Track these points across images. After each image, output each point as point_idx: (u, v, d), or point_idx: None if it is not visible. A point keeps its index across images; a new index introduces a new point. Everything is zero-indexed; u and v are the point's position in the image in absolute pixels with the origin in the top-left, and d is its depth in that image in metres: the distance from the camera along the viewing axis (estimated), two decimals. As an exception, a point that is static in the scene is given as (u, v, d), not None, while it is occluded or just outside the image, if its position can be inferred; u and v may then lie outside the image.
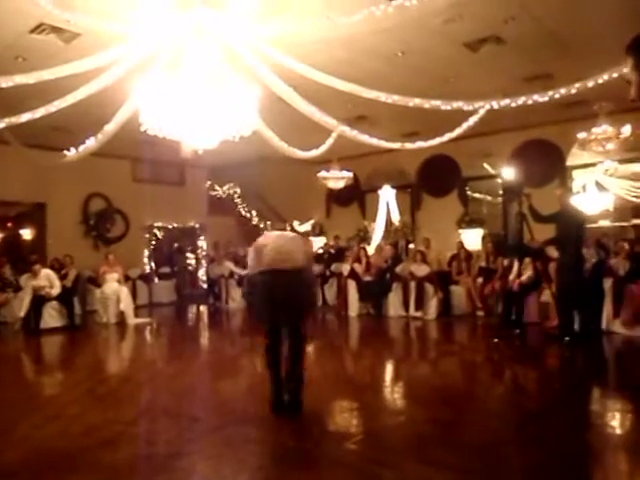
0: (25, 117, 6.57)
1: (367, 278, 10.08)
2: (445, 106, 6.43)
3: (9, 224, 15.92)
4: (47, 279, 9.25)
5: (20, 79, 5.60)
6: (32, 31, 6.26)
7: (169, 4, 5.50)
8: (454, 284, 9.63)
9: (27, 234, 14.09)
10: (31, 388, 5.40)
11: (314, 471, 3.09)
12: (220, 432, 3.75)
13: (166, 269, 14.25)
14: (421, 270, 9.54)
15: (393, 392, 5.15)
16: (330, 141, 8.62)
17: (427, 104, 6.45)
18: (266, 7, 5.66)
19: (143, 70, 5.74)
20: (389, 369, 6.22)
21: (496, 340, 7.11)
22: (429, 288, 9.41)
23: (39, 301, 8.99)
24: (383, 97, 6.44)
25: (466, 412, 4.24)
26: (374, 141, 7.96)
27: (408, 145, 8.26)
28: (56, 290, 9.23)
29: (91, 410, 4.36)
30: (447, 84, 7.92)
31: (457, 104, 6.35)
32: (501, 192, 11.57)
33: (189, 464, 3.17)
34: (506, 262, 8.53)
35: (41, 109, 6.46)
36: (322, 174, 11.99)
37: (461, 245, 10.35)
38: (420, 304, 9.38)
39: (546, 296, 7.79)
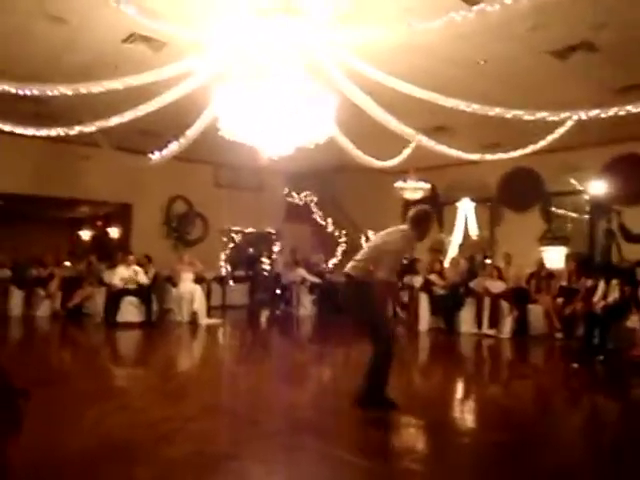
0: (114, 120, 6.90)
1: (440, 292, 9.82)
2: (528, 116, 6.15)
3: (98, 223, 16.90)
4: (134, 273, 9.76)
5: (110, 84, 5.89)
6: (124, 41, 6.60)
7: (250, 12, 5.61)
8: (532, 303, 9.18)
9: (114, 232, 14.88)
10: (102, 379, 5.63)
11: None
12: (277, 438, 3.74)
13: (241, 272, 14.56)
14: (496, 286, 9.18)
15: (460, 411, 4.95)
16: (408, 151, 8.51)
17: (509, 114, 6.19)
18: (344, 14, 5.66)
19: (224, 77, 5.90)
20: (457, 387, 6.00)
21: (575, 365, 6.69)
22: (504, 305, 9.03)
23: (118, 295, 9.44)
24: (462, 106, 6.25)
25: (535, 439, 3.97)
26: (453, 152, 7.76)
27: (488, 156, 8.00)
28: (143, 280, 9.71)
29: (155, 404, 4.49)
30: (531, 94, 7.58)
31: (541, 114, 6.06)
32: (588, 209, 10.96)
33: (242, 467, 3.17)
34: (590, 282, 8.04)
35: (129, 112, 6.77)
36: (399, 184, 11.84)
37: (541, 263, 9.88)
38: (494, 322, 9.02)
39: (633, 322, 7.25)
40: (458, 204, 12.45)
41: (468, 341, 8.77)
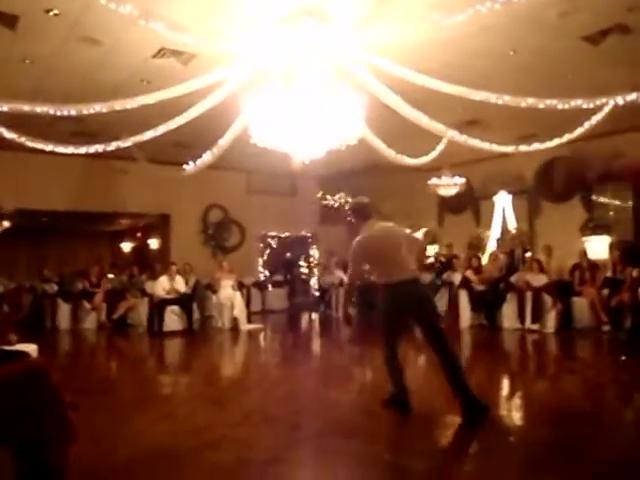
0: (149, 135, 7.07)
1: (480, 288, 9.68)
2: (562, 105, 6.02)
3: (138, 234, 17.29)
4: (175, 282, 9.96)
5: (142, 100, 6.03)
6: (154, 56, 6.75)
7: (276, 20, 5.67)
8: (576, 295, 8.95)
9: (154, 243, 15.19)
10: (148, 388, 5.75)
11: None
12: (319, 441, 3.75)
13: (279, 277, 14.66)
14: (538, 280, 8.98)
15: (506, 409, 4.85)
16: (440, 147, 8.42)
17: (542, 104, 6.07)
18: (368, 14, 5.65)
19: (253, 85, 5.97)
20: (502, 385, 5.90)
21: (624, 358, 6.49)
22: (547, 299, 8.83)
23: (161, 305, 9.64)
24: (494, 98, 6.16)
25: (586, 437, 3.86)
26: (486, 145, 7.65)
27: (523, 148, 7.84)
28: (182, 293, 9.90)
29: (200, 411, 4.56)
30: (564, 81, 7.41)
31: (575, 102, 5.92)
32: (632, 195, 10.61)
33: (286, 471, 3.19)
34: (636, 272, 7.79)
35: (162, 126, 6.92)
36: (433, 181, 11.72)
37: (584, 254, 9.62)
38: (537, 316, 8.83)
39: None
40: (494, 198, 12.25)
41: (511, 337, 8.60)
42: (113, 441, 3.73)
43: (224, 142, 7.23)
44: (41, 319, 10.74)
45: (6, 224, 12.33)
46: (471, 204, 13.51)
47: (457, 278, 10.16)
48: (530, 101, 5.98)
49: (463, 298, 9.83)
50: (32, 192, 10.80)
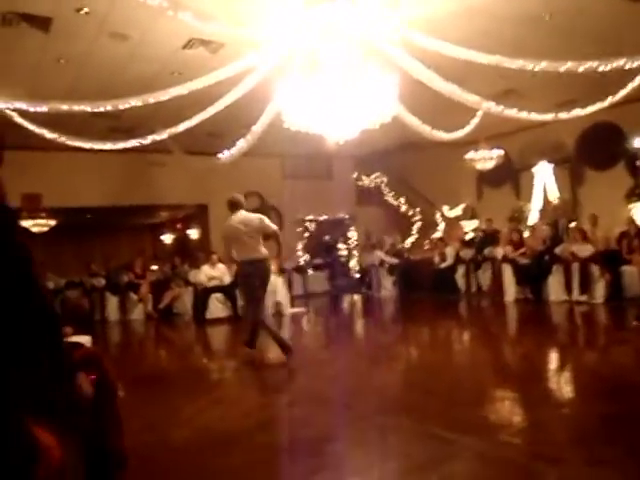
0: (183, 126, 7.15)
1: (523, 261, 9.50)
2: (602, 67, 5.80)
3: (178, 225, 17.58)
4: (220, 271, 10.10)
5: (175, 91, 6.09)
6: (184, 47, 6.79)
7: (301, 3, 5.61)
8: (625, 264, 8.68)
9: (193, 233, 15.43)
10: (197, 373, 5.87)
11: (466, 462, 2.97)
12: (371, 419, 3.76)
13: (319, 260, 14.70)
14: (584, 250, 8.75)
15: (556, 382, 4.77)
16: (476, 120, 8.26)
17: (581, 67, 5.87)
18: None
19: (284, 69, 5.96)
20: (551, 358, 5.79)
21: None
22: (595, 269, 8.60)
23: (205, 293, 9.81)
24: (530, 65, 5.98)
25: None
26: (524, 115, 7.46)
27: (563, 115, 7.61)
28: (227, 279, 10.04)
29: (249, 394, 4.65)
30: (603, 43, 7.12)
31: (617, 63, 5.69)
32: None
33: (339, 449, 3.22)
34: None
35: (196, 117, 6.98)
36: (470, 155, 11.49)
37: (631, 221, 9.31)
38: (585, 287, 8.61)
39: None
40: (534, 169, 11.94)
41: (559, 309, 8.43)
42: (167, 426, 3.83)
43: (257, 128, 7.25)
44: (91, 312, 11.09)
45: (52, 222, 12.72)
46: (510, 177, 13.22)
47: (500, 253, 9.99)
48: (569, 65, 5.77)
49: (507, 272, 9.67)
50: (75, 190, 11.09)
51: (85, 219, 14.55)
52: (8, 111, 5.86)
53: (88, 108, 5.98)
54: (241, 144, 7.59)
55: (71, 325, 3.27)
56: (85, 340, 3.64)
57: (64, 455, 1.43)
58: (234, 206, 5.94)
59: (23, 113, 6.14)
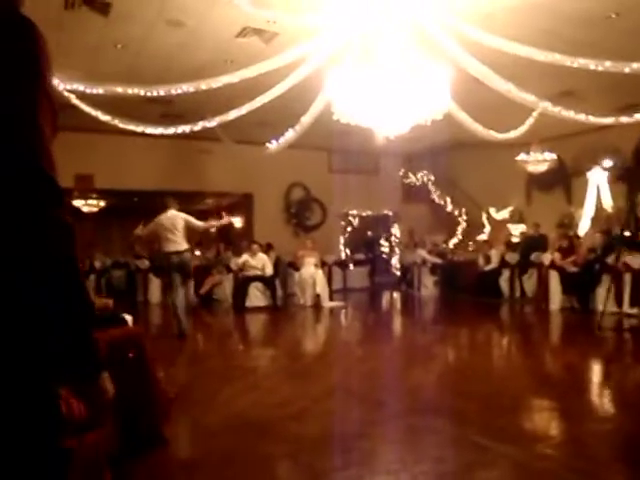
0: (233, 114, 7.19)
1: (572, 269, 9.20)
2: (671, 70, 5.52)
3: (223, 213, 17.76)
4: (261, 261, 10.17)
5: (226, 79, 6.13)
6: (237, 35, 6.82)
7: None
8: (682, 278, 8.29)
9: (237, 222, 15.57)
10: (235, 360, 5.93)
11: (498, 471, 2.88)
12: (404, 419, 3.71)
13: (360, 256, 14.63)
14: (637, 261, 8.40)
15: (600, 396, 4.61)
16: (530, 120, 8.00)
17: (648, 69, 5.60)
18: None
19: (335, 61, 5.90)
20: (596, 370, 5.59)
21: None
22: (648, 282, 8.25)
23: (245, 281, 9.90)
24: (592, 65, 5.75)
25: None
26: (582, 117, 7.19)
27: (624, 119, 7.30)
28: (269, 271, 10.10)
29: (284, 384, 4.65)
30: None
31: (687, 66, 5.41)
32: None
33: (370, 446, 3.18)
34: None
35: (246, 105, 7.01)
36: (521, 157, 11.19)
37: (692, 233, 8.89)
38: (636, 299, 8.27)
39: None
40: (588, 174, 11.53)
41: (607, 321, 8.12)
42: (203, 409, 3.87)
43: (306, 120, 7.22)
44: (134, 293, 11.36)
45: (102, 204, 13.08)
46: (562, 181, 12.81)
47: (547, 259, 9.71)
48: (635, 66, 5.52)
49: (553, 279, 9.39)
50: (125, 173, 11.35)
51: (133, 202, 14.88)
52: (65, 92, 6.01)
53: (142, 92, 6.08)
54: (290, 135, 7.59)
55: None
56: (127, 319, 3.70)
57: (98, 428, 1.44)
58: (164, 206, 7.30)
59: (79, 95, 6.30)
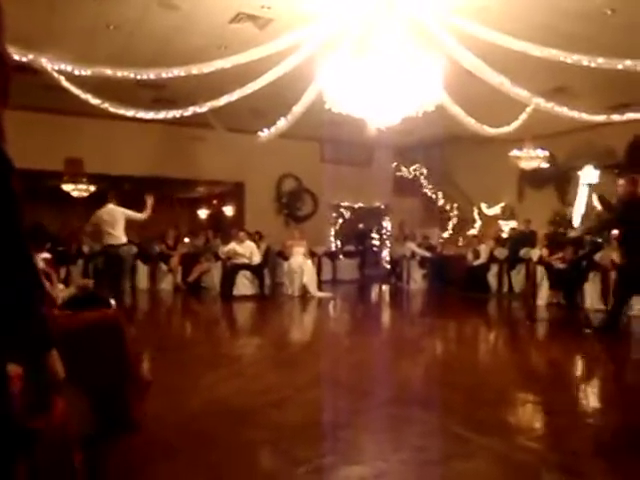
0: (224, 100, 7.11)
1: (559, 265, 9.23)
2: (665, 68, 5.53)
3: (214, 201, 17.72)
4: (249, 249, 10.13)
5: (218, 64, 6.07)
6: (231, 21, 6.75)
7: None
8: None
9: (229, 210, 15.53)
10: (219, 347, 5.92)
11: (477, 462, 2.88)
12: (387, 409, 3.71)
13: (351, 247, 14.63)
14: (626, 259, 8.42)
15: (583, 391, 4.63)
16: (523, 116, 8.00)
17: (640, 67, 5.60)
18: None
19: (328, 50, 5.85)
20: (579, 366, 5.62)
21: None
22: (635, 280, 8.27)
23: (233, 269, 9.87)
24: (586, 61, 5.74)
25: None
26: (574, 114, 7.20)
27: (615, 117, 7.32)
28: (256, 259, 10.06)
29: (268, 372, 4.64)
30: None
31: (680, 65, 5.42)
32: None
33: (351, 436, 3.17)
34: None
35: (237, 91, 6.94)
36: (514, 153, 11.19)
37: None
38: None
39: None
40: (580, 172, 11.55)
41: (593, 318, 8.16)
42: (185, 394, 3.86)
43: (298, 109, 7.18)
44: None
45: (92, 188, 12.95)
46: (554, 179, 12.84)
47: (536, 255, 9.74)
48: (628, 63, 5.52)
49: (541, 275, 9.43)
50: (116, 158, 11.26)
51: (123, 188, 14.77)
52: (55, 74, 5.92)
53: (131, 74, 6.01)
54: (281, 124, 7.54)
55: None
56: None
57: (67, 408, 1.41)
58: (105, 200, 7.58)
59: (69, 78, 6.21)
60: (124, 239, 7.44)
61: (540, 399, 4.07)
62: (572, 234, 7.40)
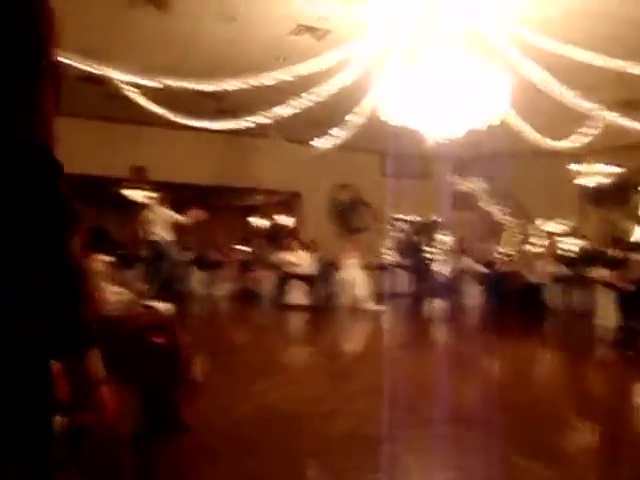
0: (283, 111, 7.21)
1: (624, 286, 8.80)
2: None
3: (270, 210, 17.92)
4: (302, 258, 10.20)
5: (278, 75, 6.16)
6: (290, 33, 6.84)
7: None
8: None
9: (284, 219, 15.68)
10: (271, 354, 5.95)
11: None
12: (432, 426, 3.64)
13: (406, 261, 14.44)
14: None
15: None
16: (590, 131, 7.72)
17: None
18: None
19: (387, 60, 5.84)
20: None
21: None
22: None
23: (286, 278, 9.95)
24: (656, 73, 5.48)
25: None
26: (644, 127, 6.88)
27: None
28: (309, 269, 10.12)
29: (319, 381, 4.66)
30: None
31: None
32: None
33: (393, 451, 3.12)
34: None
35: (296, 102, 7.02)
36: (578, 169, 10.80)
37: None
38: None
39: None
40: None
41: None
42: (235, 398, 3.91)
43: (355, 120, 7.18)
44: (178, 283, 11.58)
45: (155, 195, 13.37)
46: (620, 196, 12.29)
47: (598, 274, 9.33)
48: None
49: (604, 296, 9.01)
50: (178, 166, 11.58)
51: (184, 195, 15.18)
52: (122, 85, 6.17)
53: (191, 85, 6.18)
54: (340, 134, 7.57)
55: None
56: (167, 308, 3.76)
57: (119, 406, 1.45)
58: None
59: (134, 88, 6.44)
60: (168, 238, 7.92)
61: (599, 427, 3.89)
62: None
